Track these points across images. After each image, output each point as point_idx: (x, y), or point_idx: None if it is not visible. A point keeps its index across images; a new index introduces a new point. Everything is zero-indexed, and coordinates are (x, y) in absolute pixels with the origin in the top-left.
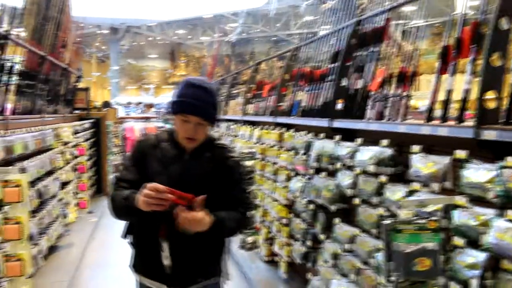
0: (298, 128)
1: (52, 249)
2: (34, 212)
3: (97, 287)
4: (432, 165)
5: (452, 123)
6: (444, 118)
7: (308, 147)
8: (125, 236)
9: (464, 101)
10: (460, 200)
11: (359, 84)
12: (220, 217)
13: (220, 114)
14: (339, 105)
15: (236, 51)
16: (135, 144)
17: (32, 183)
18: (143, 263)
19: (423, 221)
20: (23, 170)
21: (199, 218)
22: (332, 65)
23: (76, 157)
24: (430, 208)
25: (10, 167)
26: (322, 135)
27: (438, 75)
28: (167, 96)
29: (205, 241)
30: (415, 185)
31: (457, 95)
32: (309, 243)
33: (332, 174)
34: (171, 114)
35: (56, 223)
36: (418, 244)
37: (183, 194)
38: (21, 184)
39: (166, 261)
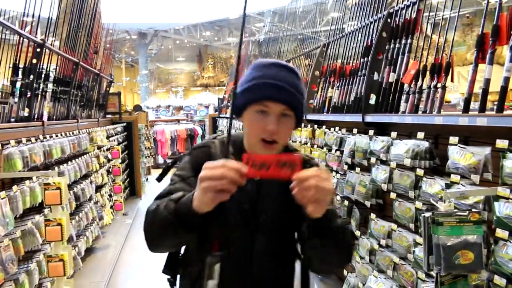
0: (330, 124)
1: (89, 251)
2: (71, 214)
3: (133, 286)
4: (471, 156)
5: (492, 113)
6: (482, 108)
7: (340, 143)
8: (166, 270)
9: (505, 89)
10: (502, 191)
11: (392, 77)
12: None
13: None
14: (372, 100)
15: (263, 50)
16: (200, 150)
17: (69, 186)
18: None
19: (465, 213)
20: (61, 173)
21: (325, 176)
22: (363, 59)
23: (110, 160)
24: (471, 200)
25: (50, 171)
26: (355, 130)
27: (475, 64)
28: (195, 98)
29: (279, 264)
30: (454, 178)
31: (493, 85)
32: None
33: (366, 169)
34: (241, 108)
35: (93, 225)
36: (460, 237)
37: (279, 158)
38: (61, 187)
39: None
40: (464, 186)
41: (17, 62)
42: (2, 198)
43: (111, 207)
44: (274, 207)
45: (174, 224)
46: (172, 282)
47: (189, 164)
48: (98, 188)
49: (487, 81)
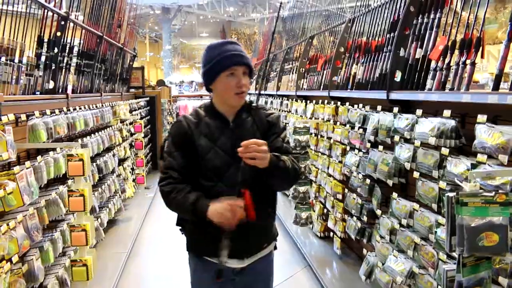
0: (353, 101)
1: (111, 223)
2: (94, 186)
3: (155, 259)
4: (500, 135)
5: None
6: None
7: (364, 120)
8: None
9: None
10: None
11: (419, 53)
12: (276, 155)
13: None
14: (397, 77)
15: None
16: (175, 126)
17: (92, 159)
18: (200, 247)
19: (491, 194)
20: (84, 146)
21: (261, 143)
22: (389, 35)
23: (132, 134)
24: (498, 181)
25: (73, 142)
26: (379, 107)
27: (508, 39)
28: None
29: (266, 207)
30: (481, 157)
31: None
32: (365, 218)
33: (389, 147)
34: (213, 77)
35: (115, 197)
36: (485, 218)
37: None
38: (84, 158)
39: (225, 250)
40: (491, 166)
41: (42, 35)
42: (27, 168)
43: (133, 180)
44: None
45: (189, 214)
46: (182, 230)
47: (171, 141)
48: (121, 161)
49: None
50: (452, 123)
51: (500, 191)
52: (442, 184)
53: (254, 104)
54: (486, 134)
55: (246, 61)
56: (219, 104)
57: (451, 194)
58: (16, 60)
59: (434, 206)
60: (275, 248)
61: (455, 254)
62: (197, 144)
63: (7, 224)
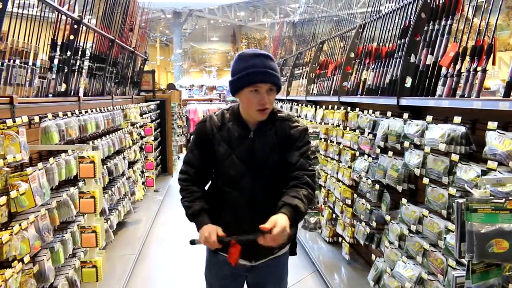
0: (363, 107)
1: (120, 225)
2: (104, 188)
3: (164, 261)
4: (511, 142)
5: None
6: None
7: (373, 126)
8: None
9: None
10: None
11: (429, 60)
12: (293, 205)
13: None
14: (408, 83)
15: (298, 31)
16: (199, 126)
17: (103, 161)
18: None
19: (501, 200)
20: (96, 148)
21: (279, 232)
22: (400, 41)
23: (142, 137)
24: (508, 188)
25: (85, 145)
26: (389, 113)
27: None
28: (228, 78)
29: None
30: (491, 164)
31: None
32: (373, 224)
33: (399, 153)
34: (237, 90)
35: (125, 200)
36: (495, 225)
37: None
38: (95, 160)
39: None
40: (501, 173)
41: (55, 38)
42: (39, 169)
43: (143, 183)
44: (267, 159)
45: (188, 218)
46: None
47: (194, 139)
48: (131, 164)
49: None
50: (462, 129)
51: (510, 197)
52: (452, 191)
53: (280, 115)
54: (496, 140)
55: (272, 80)
56: (243, 112)
57: (460, 201)
58: (30, 63)
59: (444, 212)
60: (295, 253)
61: (464, 261)
62: (216, 149)
63: (19, 225)
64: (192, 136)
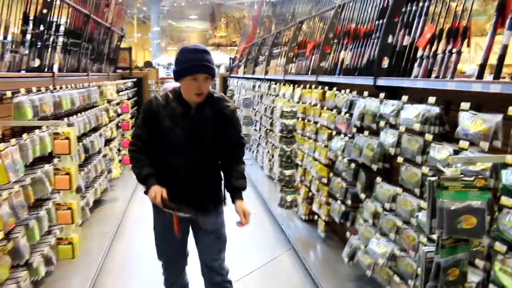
0: (340, 87)
1: (97, 203)
2: (80, 166)
3: (140, 237)
4: (482, 123)
5: (506, 79)
6: (496, 75)
7: (350, 106)
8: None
9: None
10: (511, 159)
11: (406, 40)
12: (240, 187)
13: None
14: (385, 63)
15: (277, 11)
16: (146, 105)
17: (79, 139)
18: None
19: (471, 178)
20: (71, 124)
21: (248, 211)
22: (378, 21)
23: (119, 114)
24: (478, 167)
25: (59, 121)
26: (365, 93)
27: (494, 29)
28: None
29: (210, 181)
30: (463, 144)
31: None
32: (349, 202)
33: (375, 133)
34: (179, 77)
35: (101, 178)
36: (464, 202)
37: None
38: (70, 137)
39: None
40: (472, 153)
41: (28, 11)
42: (12, 145)
43: (120, 161)
44: (205, 131)
45: (139, 181)
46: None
47: (142, 117)
48: (107, 141)
49: (505, 47)
50: (436, 110)
51: (480, 176)
52: (425, 170)
53: (216, 95)
54: (469, 121)
55: (207, 71)
56: (185, 95)
57: (432, 178)
58: (1, 37)
59: (417, 190)
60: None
61: (434, 237)
62: (161, 123)
63: None
64: (140, 114)
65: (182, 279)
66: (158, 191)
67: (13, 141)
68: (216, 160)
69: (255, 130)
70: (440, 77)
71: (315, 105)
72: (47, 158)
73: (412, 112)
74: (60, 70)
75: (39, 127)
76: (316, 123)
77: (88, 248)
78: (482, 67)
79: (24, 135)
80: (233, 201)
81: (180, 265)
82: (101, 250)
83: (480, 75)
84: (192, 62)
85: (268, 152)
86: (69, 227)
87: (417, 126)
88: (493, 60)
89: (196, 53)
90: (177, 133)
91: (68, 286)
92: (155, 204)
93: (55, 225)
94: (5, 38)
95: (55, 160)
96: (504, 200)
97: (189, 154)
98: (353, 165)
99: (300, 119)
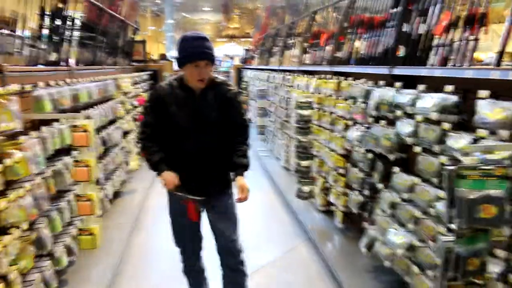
0: (356, 76)
1: (116, 195)
2: (99, 158)
3: (159, 229)
4: (501, 111)
5: None
6: None
7: (366, 95)
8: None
9: None
10: None
11: (422, 29)
12: (241, 164)
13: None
14: (401, 52)
15: (291, 1)
16: (151, 94)
17: (97, 131)
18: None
19: (490, 167)
20: (89, 117)
21: (247, 186)
22: (393, 10)
23: (135, 107)
24: (497, 156)
25: (77, 113)
26: (381, 83)
27: None
28: (220, 49)
29: (219, 163)
30: (481, 132)
31: None
32: (366, 192)
33: (391, 122)
34: (182, 64)
35: (120, 170)
36: (483, 191)
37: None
38: (88, 129)
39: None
40: (490, 141)
41: (44, 6)
42: (34, 138)
43: (138, 153)
44: (210, 114)
45: (151, 168)
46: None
47: (148, 105)
48: (125, 134)
49: None
50: (454, 98)
51: (499, 165)
52: (443, 159)
53: (218, 80)
54: (487, 109)
55: (207, 57)
56: (188, 81)
57: (450, 167)
58: (19, 32)
59: (435, 180)
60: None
61: (453, 226)
62: (168, 110)
63: (16, 192)
64: (147, 103)
65: (199, 264)
66: (169, 176)
67: (34, 133)
68: (223, 143)
69: (271, 121)
70: (457, 65)
71: (331, 95)
72: (66, 150)
73: (429, 101)
74: (76, 63)
75: (58, 120)
76: (332, 113)
77: (108, 239)
78: (501, 54)
79: (43, 128)
80: (234, 179)
81: (196, 249)
82: (122, 240)
83: (498, 63)
84: (193, 50)
85: (284, 143)
86: (89, 218)
87: (434, 115)
88: (511, 47)
89: (196, 41)
90: (183, 118)
91: (90, 276)
92: (169, 190)
93: (76, 216)
94: (23, 33)
95: (74, 153)
96: None
97: (196, 138)
98: (370, 155)
99: (315, 109)
